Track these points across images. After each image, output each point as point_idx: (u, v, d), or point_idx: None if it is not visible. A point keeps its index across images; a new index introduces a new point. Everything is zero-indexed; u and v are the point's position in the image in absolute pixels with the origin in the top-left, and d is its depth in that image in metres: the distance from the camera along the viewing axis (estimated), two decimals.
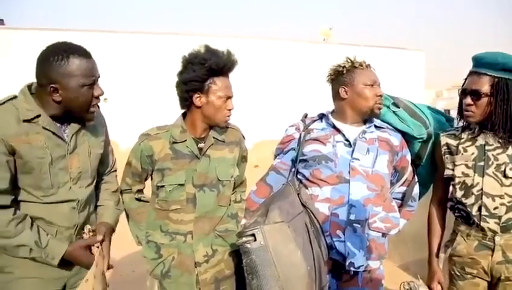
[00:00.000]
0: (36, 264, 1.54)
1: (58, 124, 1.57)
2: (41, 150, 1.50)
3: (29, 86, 1.56)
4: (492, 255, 1.74)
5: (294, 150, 2.01)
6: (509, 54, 1.75)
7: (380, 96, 1.92)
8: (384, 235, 1.87)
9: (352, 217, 1.79)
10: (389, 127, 2.00)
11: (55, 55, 1.46)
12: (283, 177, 2.02)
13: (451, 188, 1.91)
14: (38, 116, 1.50)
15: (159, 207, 1.82)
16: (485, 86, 1.74)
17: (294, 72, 15.27)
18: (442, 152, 1.91)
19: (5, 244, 1.49)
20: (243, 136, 1.99)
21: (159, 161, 1.79)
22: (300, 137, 1.99)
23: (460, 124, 1.91)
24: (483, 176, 1.76)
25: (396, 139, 1.96)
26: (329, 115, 2.00)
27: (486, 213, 1.74)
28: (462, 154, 1.83)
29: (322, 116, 2.05)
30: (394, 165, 1.96)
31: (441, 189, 1.99)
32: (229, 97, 1.79)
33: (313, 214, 1.76)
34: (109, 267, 1.69)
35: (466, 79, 1.84)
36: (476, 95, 1.76)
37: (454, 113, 2.06)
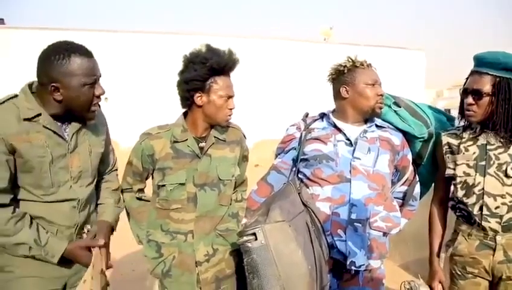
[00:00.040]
0: (36, 263, 1.54)
1: (59, 123, 1.57)
2: (41, 149, 1.50)
3: (30, 85, 1.56)
4: (493, 255, 1.74)
5: (295, 149, 2.01)
6: (510, 53, 1.75)
7: (381, 95, 1.92)
8: (385, 234, 1.86)
9: (353, 216, 1.79)
10: (390, 126, 2.00)
11: (57, 54, 1.46)
12: (284, 176, 2.02)
13: (452, 187, 1.91)
14: (39, 115, 1.50)
15: (159, 206, 1.82)
16: (486, 85, 1.74)
17: (294, 71, 15.27)
18: (444, 151, 1.91)
19: (5, 242, 1.49)
20: (244, 136, 1.99)
21: (160, 160, 1.79)
22: (301, 136, 1.99)
23: (462, 123, 1.91)
24: (484, 176, 1.76)
25: (397, 139, 1.96)
26: (330, 115, 1.99)
27: (488, 213, 1.74)
28: (464, 153, 1.83)
29: (323, 116, 2.04)
30: (395, 164, 1.96)
31: (442, 188, 1.99)
32: (230, 96, 1.79)
33: (314, 213, 1.76)
34: (108, 266, 1.69)
35: (467, 78, 1.84)
36: (478, 94, 1.75)
37: (454, 113, 2.06)
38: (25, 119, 1.47)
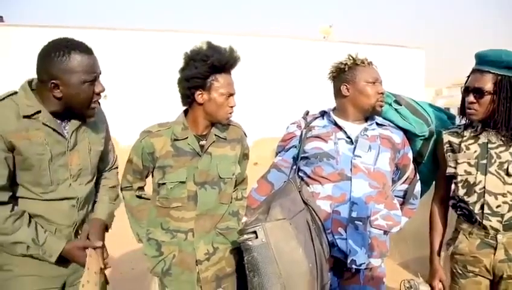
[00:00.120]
0: (35, 262, 1.53)
1: (59, 121, 1.56)
2: (41, 146, 1.49)
3: (30, 82, 1.55)
4: (494, 254, 1.74)
5: (295, 147, 2.00)
6: None
7: (382, 93, 1.92)
8: (385, 232, 1.86)
9: (354, 214, 1.78)
10: (391, 124, 2.00)
11: (57, 51, 1.45)
12: (284, 174, 2.02)
13: (453, 186, 1.90)
14: (39, 112, 1.49)
15: (159, 205, 1.81)
16: (488, 83, 1.73)
17: (294, 69, 15.26)
18: (445, 150, 1.91)
19: (2, 241, 1.48)
20: (245, 134, 1.98)
21: (160, 158, 1.78)
22: (301, 134, 1.98)
23: (463, 122, 1.91)
24: (485, 174, 1.75)
25: (398, 137, 1.96)
26: (331, 113, 1.99)
27: (489, 211, 1.74)
28: (465, 152, 1.82)
29: (323, 114, 2.04)
30: (396, 162, 1.96)
31: (443, 187, 1.99)
32: (231, 94, 1.78)
33: (314, 211, 1.76)
34: (106, 266, 1.68)
35: (469, 76, 1.83)
36: (479, 93, 1.75)
37: (453, 112, 2.05)
38: (24, 117, 1.46)
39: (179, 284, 1.79)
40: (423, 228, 2.10)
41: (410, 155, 2.01)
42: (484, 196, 1.75)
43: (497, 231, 1.73)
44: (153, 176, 1.87)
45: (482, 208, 1.75)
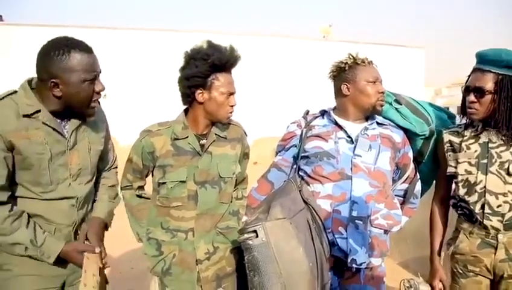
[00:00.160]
0: (35, 261, 1.53)
1: (58, 120, 1.55)
2: (40, 145, 1.49)
3: (30, 81, 1.54)
4: (495, 253, 1.74)
5: (295, 146, 2.00)
6: None
7: (382, 93, 1.92)
8: (386, 232, 1.86)
9: (354, 213, 1.78)
10: (391, 124, 1.99)
11: (56, 49, 1.44)
12: (284, 174, 2.02)
13: (453, 185, 1.90)
14: (38, 111, 1.48)
15: (160, 204, 1.81)
16: (488, 83, 1.73)
17: (294, 69, 15.27)
18: (445, 149, 1.90)
19: (0, 241, 1.48)
20: (245, 133, 1.98)
21: (160, 157, 1.77)
22: (301, 134, 1.98)
23: (463, 121, 1.90)
24: (486, 174, 1.75)
25: (398, 136, 1.95)
26: (331, 112, 1.99)
27: (490, 211, 1.73)
28: (465, 151, 1.82)
29: (323, 113, 2.04)
30: (396, 162, 1.96)
31: (444, 186, 1.98)
32: (232, 93, 1.78)
33: (314, 210, 1.75)
34: (105, 266, 1.68)
35: (469, 76, 1.83)
36: (480, 92, 1.74)
37: (453, 111, 2.05)
38: (24, 116, 1.46)
39: (179, 283, 1.79)
40: (423, 228, 2.10)
41: (411, 154, 2.01)
42: (485, 196, 1.74)
43: (497, 230, 1.73)
44: (153, 175, 1.86)
45: (482, 207, 1.75)
